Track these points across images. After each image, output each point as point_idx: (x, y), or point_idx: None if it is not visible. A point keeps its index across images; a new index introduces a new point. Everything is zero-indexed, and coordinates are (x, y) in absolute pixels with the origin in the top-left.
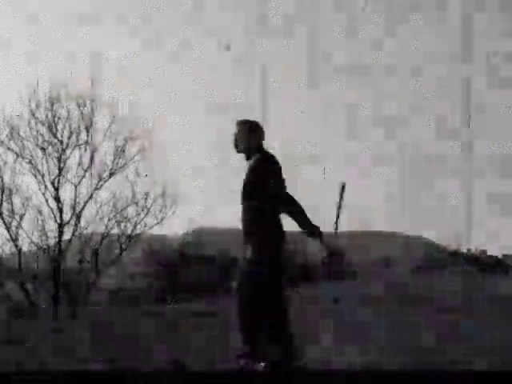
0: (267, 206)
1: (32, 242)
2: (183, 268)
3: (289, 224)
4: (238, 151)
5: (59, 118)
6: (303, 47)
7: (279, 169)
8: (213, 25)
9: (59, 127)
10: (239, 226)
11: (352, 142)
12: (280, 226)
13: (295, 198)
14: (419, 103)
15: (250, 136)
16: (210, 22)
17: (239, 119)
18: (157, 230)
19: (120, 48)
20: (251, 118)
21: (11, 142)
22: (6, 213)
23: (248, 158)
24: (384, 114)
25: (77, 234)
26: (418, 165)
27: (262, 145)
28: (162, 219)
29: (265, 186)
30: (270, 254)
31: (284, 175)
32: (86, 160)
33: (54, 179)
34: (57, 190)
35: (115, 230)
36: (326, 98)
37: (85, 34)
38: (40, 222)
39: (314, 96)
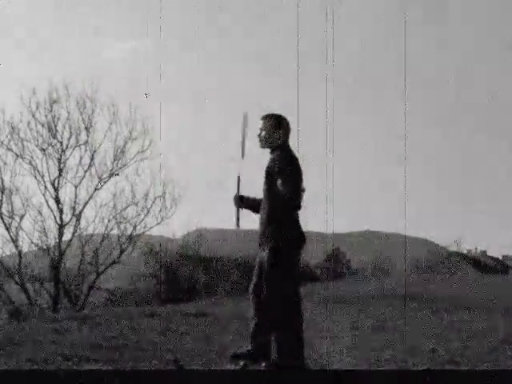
0: (284, 206)
1: (32, 242)
2: (183, 269)
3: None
4: (262, 146)
5: (59, 119)
6: None
7: (298, 169)
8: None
9: (59, 128)
10: (245, 226)
11: None
12: (298, 227)
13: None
14: None
15: (274, 132)
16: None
17: (265, 113)
18: (157, 231)
19: (120, 48)
20: (278, 113)
21: (11, 142)
22: (6, 213)
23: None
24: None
25: (77, 234)
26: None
27: (286, 141)
28: (162, 219)
29: (287, 184)
30: (287, 258)
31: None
32: (85, 161)
33: (54, 180)
34: (57, 190)
35: (115, 231)
36: None
37: (85, 34)
38: (40, 222)
39: None
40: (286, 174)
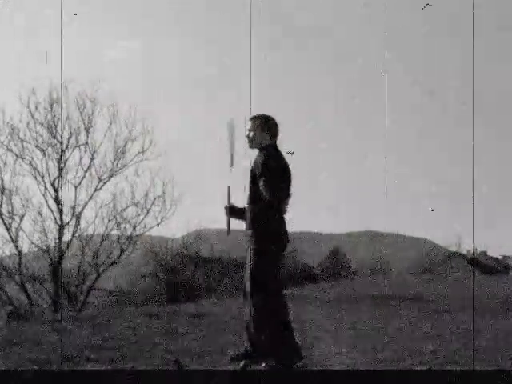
0: (269, 205)
1: (32, 243)
2: (183, 269)
3: (289, 224)
4: (251, 147)
5: (59, 119)
6: None
7: (284, 167)
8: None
9: (59, 128)
10: (239, 227)
11: None
12: (282, 226)
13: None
14: None
15: (262, 132)
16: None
17: (254, 114)
18: (157, 232)
19: (120, 48)
20: (266, 114)
21: (11, 143)
22: (6, 214)
23: None
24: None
25: (77, 235)
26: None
27: (274, 142)
28: (161, 220)
29: (266, 185)
30: (270, 256)
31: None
32: (85, 161)
33: (53, 180)
34: (57, 191)
35: (115, 231)
36: None
37: (85, 34)
38: (40, 223)
39: None
40: (265, 176)
